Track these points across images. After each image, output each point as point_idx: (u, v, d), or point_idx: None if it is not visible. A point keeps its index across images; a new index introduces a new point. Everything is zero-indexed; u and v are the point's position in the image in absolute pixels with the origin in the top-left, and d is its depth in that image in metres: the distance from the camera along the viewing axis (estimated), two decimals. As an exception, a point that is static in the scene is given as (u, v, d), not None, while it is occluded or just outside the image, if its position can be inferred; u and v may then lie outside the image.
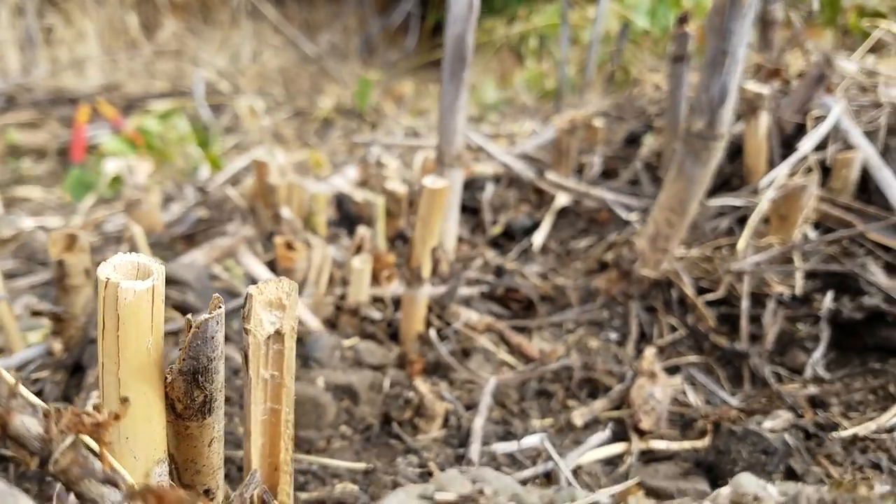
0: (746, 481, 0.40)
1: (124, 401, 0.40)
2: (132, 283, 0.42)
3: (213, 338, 0.43)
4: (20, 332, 0.91)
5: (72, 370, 0.84)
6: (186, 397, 0.44)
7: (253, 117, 2.09)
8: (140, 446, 0.43)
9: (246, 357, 0.52)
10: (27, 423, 0.34)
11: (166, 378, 0.44)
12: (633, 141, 1.57)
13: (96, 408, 0.38)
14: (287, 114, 2.74)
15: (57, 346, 0.86)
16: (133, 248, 1.00)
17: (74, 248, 0.83)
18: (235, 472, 0.74)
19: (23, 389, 0.36)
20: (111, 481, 0.35)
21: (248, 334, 0.52)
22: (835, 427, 0.88)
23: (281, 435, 0.56)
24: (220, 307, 0.44)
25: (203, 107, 2.46)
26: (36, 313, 0.85)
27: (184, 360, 0.43)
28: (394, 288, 1.12)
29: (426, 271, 0.98)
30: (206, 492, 0.49)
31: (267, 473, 0.56)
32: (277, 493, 0.55)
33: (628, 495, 0.38)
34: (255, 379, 0.54)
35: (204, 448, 0.48)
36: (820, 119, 1.23)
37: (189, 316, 0.43)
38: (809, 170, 1.19)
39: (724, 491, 0.41)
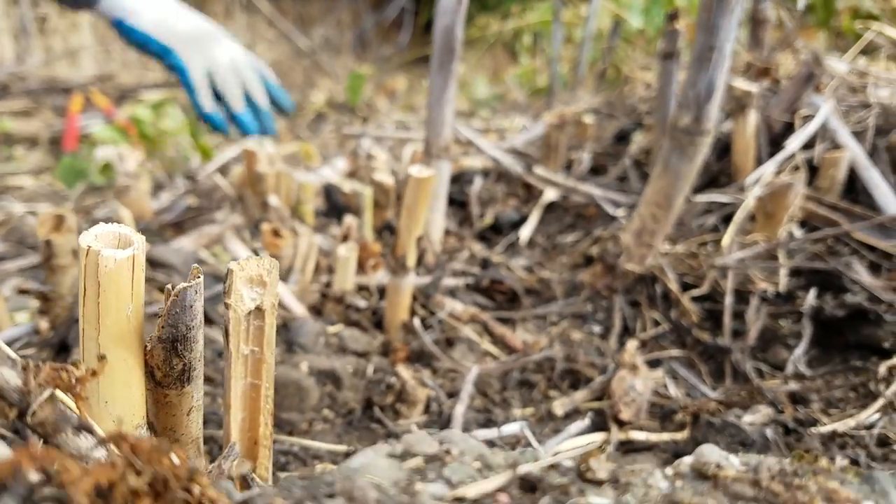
0: (709, 451, 0.41)
1: (101, 358, 0.40)
2: (113, 251, 0.42)
3: (191, 306, 0.44)
4: (8, 313, 0.91)
5: (57, 349, 0.84)
6: (165, 365, 0.45)
7: None
8: (120, 410, 0.44)
9: (227, 332, 0.53)
10: (6, 375, 0.35)
11: (146, 346, 0.45)
12: (622, 138, 1.58)
13: (74, 364, 0.39)
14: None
15: (43, 324, 0.86)
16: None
17: (62, 228, 0.84)
18: (217, 450, 0.75)
19: (2, 344, 0.36)
20: (87, 428, 0.36)
21: (228, 309, 0.52)
22: (814, 423, 0.89)
23: (261, 410, 0.57)
24: (199, 277, 0.44)
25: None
26: (23, 291, 0.85)
27: (163, 327, 0.43)
28: (379, 277, 1.12)
29: (411, 260, 0.99)
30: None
31: (247, 447, 0.56)
32: (256, 466, 0.56)
33: (590, 457, 0.39)
34: (236, 354, 0.54)
35: (182, 416, 0.49)
36: (808, 118, 1.24)
37: (168, 285, 0.44)
38: (797, 168, 1.20)
39: (687, 459, 0.42)
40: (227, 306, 0.53)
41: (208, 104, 1.45)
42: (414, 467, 0.38)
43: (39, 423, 0.35)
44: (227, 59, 1.46)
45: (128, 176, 1.22)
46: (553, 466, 0.39)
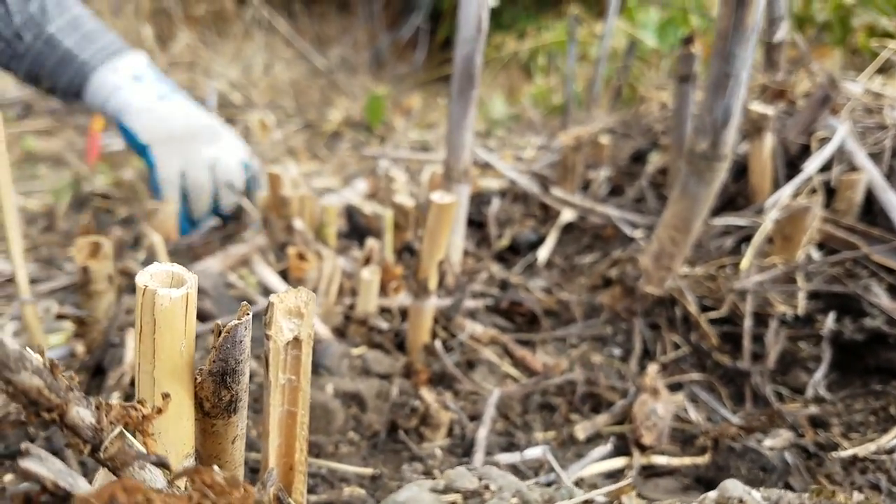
0: (732, 486, 0.43)
1: (165, 396, 0.42)
2: (168, 290, 0.44)
3: (241, 342, 0.46)
4: (43, 335, 0.93)
5: (93, 372, 0.86)
6: (214, 396, 0.47)
7: (264, 131, 2.13)
8: (171, 441, 0.46)
9: (267, 362, 0.55)
10: (82, 414, 0.37)
11: (196, 378, 0.47)
12: (638, 158, 1.60)
13: (140, 402, 0.41)
14: (297, 126, 2.79)
15: (80, 348, 0.89)
16: (153, 256, 1.03)
17: (98, 255, 0.86)
18: (248, 472, 0.76)
19: (76, 386, 0.39)
20: (162, 464, 0.38)
21: (269, 340, 0.54)
22: (835, 447, 0.89)
23: (297, 436, 0.59)
24: (248, 314, 0.46)
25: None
26: (61, 316, 0.88)
27: (213, 361, 0.46)
28: (401, 299, 1.14)
29: (433, 284, 1.01)
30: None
31: (283, 473, 0.58)
32: (292, 491, 0.58)
33: (621, 494, 0.40)
34: (275, 383, 0.56)
35: (228, 445, 0.51)
36: (825, 140, 1.25)
37: (218, 322, 0.46)
38: (814, 191, 1.21)
39: (712, 494, 0.43)
40: (267, 338, 0.56)
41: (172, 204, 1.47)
42: (456, 502, 0.39)
43: (110, 457, 0.37)
44: (208, 159, 1.47)
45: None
46: (587, 502, 0.41)
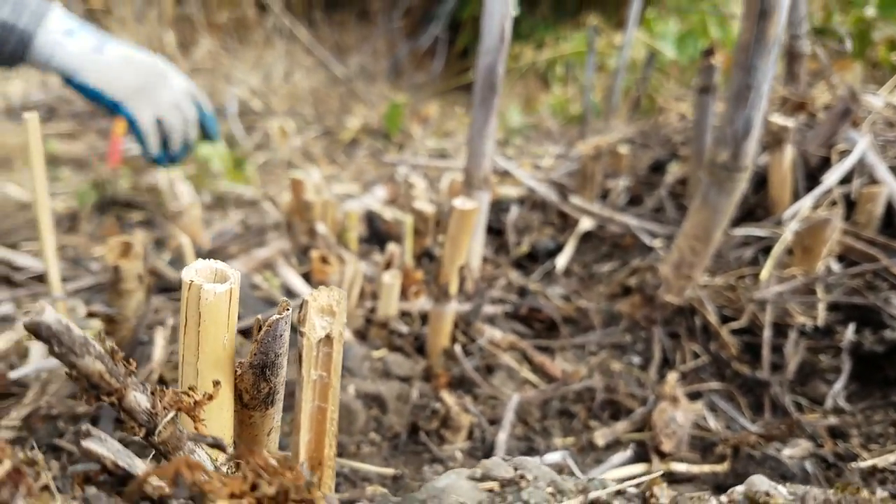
0: (759, 481, 0.44)
1: (216, 384, 0.44)
2: (213, 285, 0.46)
3: (281, 336, 0.48)
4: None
5: (121, 369, 0.88)
6: (254, 388, 0.49)
7: (283, 137, 2.16)
8: (212, 430, 0.47)
9: (300, 358, 0.56)
10: (138, 399, 0.39)
11: (236, 371, 0.48)
12: (657, 168, 1.61)
13: (192, 388, 0.43)
14: (316, 133, 2.82)
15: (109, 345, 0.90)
16: (180, 257, 1.05)
17: (129, 254, 0.88)
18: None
19: (133, 374, 0.40)
20: (218, 445, 0.39)
21: (302, 337, 0.56)
22: (854, 458, 0.89)
23: (326, 432, 0.60)
24: (288, 310, 0.48)
25: (235, 124, 2.55)
26: (91, 314, 0.90)
27: (255, 354, 0.47)
28: (421, 303, 1.15)
29: (453, 289, 1.02)
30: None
31: (312, 467, 0.60)
32: (321, 486, 0.59)
33: (653, 485, 0.41)
34: (307, 379, 0.57)
35: (263, 436, 0.52)
36: (845, 153, 1.26)
37: (259, 316, 0.47)
38: (834, 203, 1.22)
39: (739, 488, 0.44)
40: (301, 335, 0.57)
41: (156, 149, 1.58)
42: (494, 489, 0.41)
43: (163, 441, 0.39)
44: (171, 100, 1.57)
45: (180, 202, 1.27)
46: (620, 493, 0.42)
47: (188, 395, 0.41)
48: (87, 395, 0.37)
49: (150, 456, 0.42)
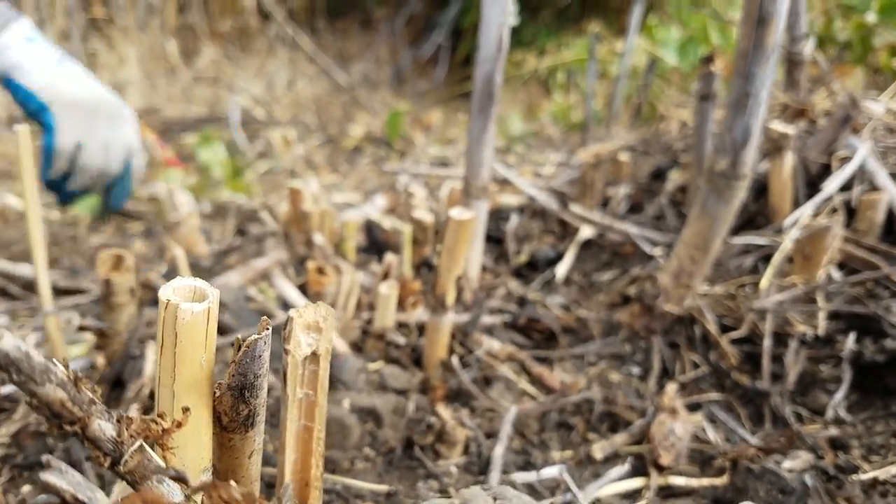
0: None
1: (185, 410, 0.43)
2: (190, 304, 0.45)
3: (260, 356, 0.47)
4: (64, 346, 0.95)
5: (113, 383, 0.88)
6: (232, 411, 0.48)
7: (286, 147, 2.16)
8: (189, 455, 0.46)
9: (285, 376, 0.55)
10: (103, 427, 0.38)
11: (215, 393, 0.48)
12: (658, 176, 1.59)
13: (160, 416, 0.42)
14: (319, 141, 2.83)
15: (100, 360, 0.90)
16: (174, 269, 1.04)
17: (121, 267, 0.88)
18: (264, 488, 0.77)
19: (97, 398, 0.40)
20: (181, 478, 0.38)
21: (287, 355, 0.55)
22: (855, 470, 0.88)
23: (313, 452, 0.59)
24: (267, 329, 0.47)
25: (238, 133, 2.56)
26: (83, 328, 0.89)
27: (233, 376, 0.46)
28: (418, 314, 1.14)
29: (451, 299, 1.01)
30: None
31: (298, 488, 0.59)
32: (308, 508, 0.58)
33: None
34: (292, 397, 0.57)
35: (245, 459, 0.51)
36: (845, 160, 1.24)
37: (238, 336, 0.47)
38: (834, 210, 1.20)
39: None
40: (286, 352, 0.56)
41: (56, 174, 1.38)
42: (471, 520, 0.39)
43: (129, 471, 0.38)
44: (105, 139, 1.39)
45: (178, 213, 1.27)
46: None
47: (156, 423, 0.40)
48: (50, 424, 0.37)
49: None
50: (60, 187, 1.42)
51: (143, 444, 0.40)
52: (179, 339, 0.45)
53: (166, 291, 0.46)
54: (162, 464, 0.44)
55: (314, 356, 0.57)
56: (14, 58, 1.33)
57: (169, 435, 0.41)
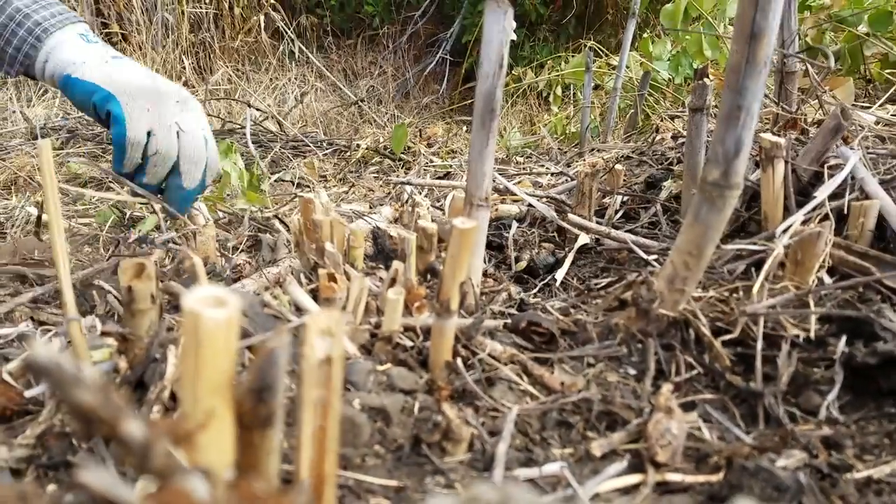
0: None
1: (209, 413, 0.47)
2: (212, 312, 0.49)
3: (279, 362, 0.51)
4: (87, 351, 1.00)
5: (135, 386, 0.93)
6: (252, 412, 0.52)
7: (312, 171, 2.22)
8: (212, 455, 0.51)
9: (300, 378, 0.60)
10: (132, 430, 0.42)
11: (235, 394, 0.52)
12: (652, 185, 1.64)
13: (185, 417, 0.46)
14: (327, 153, 2.89)
15: (122, 364, 0.95)
16: (192, 277, 1.09)
17: (142, 275, 0.93)
18: (280, 484, 0.81)
19: (125, 402, 0.44)
20: (206, 476, 0.43)
21: (302, 358, 0.60)
22: (849, 468, 0.91)
23: (327, 450, 0.63)
24: (287, 336, 0.52)
25: (250, 144, 2.62)
26: (105, 333, 0.94)
27: (253, 379, 0.51)
28: (424, 318, 1.19)
29: (455, 304, 1.05)
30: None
31: (314, 484, 0.63)
32: (322, 502, 0.62)
33: None
34: (307, 400, 0.61)
35: (264, 457, 0.56)
36: (836, 168, 1.28)
37: (257, 340, 0.51)
38: (826, 217, 1.24)
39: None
40: (301, 356, 0.61)
41: (129, 167, 1.35)
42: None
43: (157, 470, 0.42)
44: (171, 123, 1.33)
45: (195, 222, 1.32)
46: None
47: (181, 425, 0.45)
48: (81, 427, 0.41)
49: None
50: (136, 180, 1.38)
51: (170, 444, 0.44)
52: (201, 345, 0.49)
53: (188, 299, 0.50)
54: (187, 463, 0.48)
55: (328, 360, 0.62)
56: (70, 54, 1.30)
57: (194, 436, 0.46)
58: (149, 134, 1.32)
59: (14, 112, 3.01)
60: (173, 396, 0.95)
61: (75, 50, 1.31)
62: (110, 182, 2.37)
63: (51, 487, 0.88)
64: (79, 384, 0.41)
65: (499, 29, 1.10)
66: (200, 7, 3.79)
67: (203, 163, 1.41)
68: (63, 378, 0.41)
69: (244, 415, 0.53)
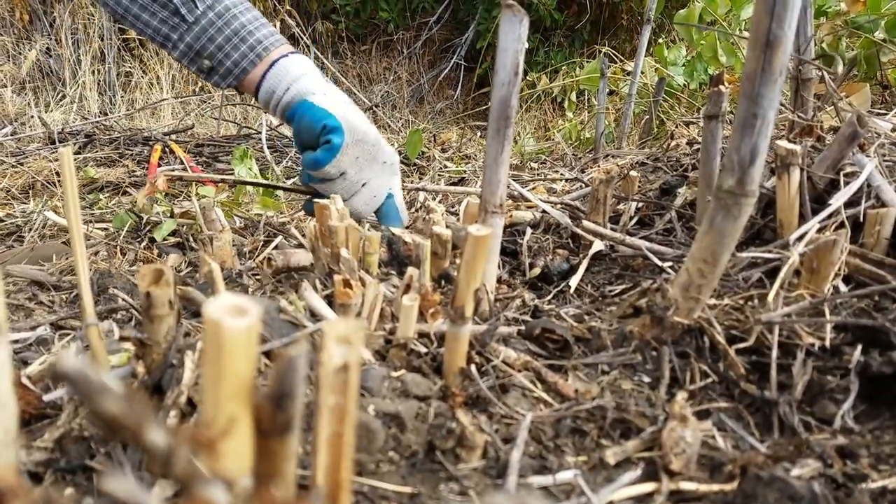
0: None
1: (231, 420, 0.48)
2: (233, 320, 0.50)
3: (298, 367, 0.52)
4: (105, 355, 1.01)
5: (153, 390, 0.94)
6: (271, 419, 0.53)
7: None
8: (232, 461, 0.52)
9: (317, 385, 0.61)
10: (156, 437, 0.43)
11: (255, 401, 0.53)
12: (667, 191, 1.63)
13: (207, 424, 0.47)
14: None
15: (140, 369, 0.96)
16: (210, 283, 1.11)
17: (161, 281, 0.94)
18: (297, 490, 0.82)
19: (149, 410, 0.45)
20: (228, 483, 0.44)
21: (320, 365, 0.60)
22: (864, 478, 0.90)
23: (343, 456, 0.64)
24: (305, 343, 0.52)
25: (266, 150, 2.64)
26: (123, 338, 0.96)
27: (273, 386, 0.52)
28: (438, 324, 1.19)
29: (469, 311, 1.06)
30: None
31: (330, 491, 0.64)
32: (339, 506, 0.63)
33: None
34: (324, 405, 0.62)
35: (282, 464, 0.56)
36: (852, 176, 1.27)
37: (276, 347, 0.52)
38: (842, 225, 1.23)
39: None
40: (318, 363, 0.62)
41: (304, 181, 1.48)
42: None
43: (179, 477, 0.43)
44: (361, 183, 1.46)
45: (212, 228, 1.34)
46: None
47: (203, 432, 0.46)
48: (107, 435, 0.42)
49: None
50: (308, 182, 1.52)
51: (192, 451, 0.45)
52: (222, 353, 0.50)
53: (211, 307, 0.51)
54: (209, 469, 0.49)
55: (345, 367, 0.62)
56: (310, 83, 1.42)
57: (216, 443, 0.46)
58: (343, 175, 1.46)
59: (32, 117, 3.06)
60: (190, 401, 0.96)
61: (320, 82, 1.45)
62: (126, 187, 2.41)
63: (69, 491, 0.90)
64: (104, 392, 0.42)
65: (514, 37, 1.11)
66: (217, 13, 3.84)
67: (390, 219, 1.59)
68: (89, 386, 0.42)
69: (263, 422, 0.54)
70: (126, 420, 0.44)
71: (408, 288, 1.19)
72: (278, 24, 4.16)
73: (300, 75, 1.41)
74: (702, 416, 1.05)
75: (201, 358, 1.00)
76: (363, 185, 1.49)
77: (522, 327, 1.25)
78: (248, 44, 1.37)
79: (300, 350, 0.53)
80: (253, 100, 1.58)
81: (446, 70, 4.55)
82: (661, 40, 3.22)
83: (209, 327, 0.51)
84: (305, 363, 0.54)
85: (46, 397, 1.01)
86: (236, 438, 0.54)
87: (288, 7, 4.14)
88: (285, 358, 0.52)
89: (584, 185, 1.83)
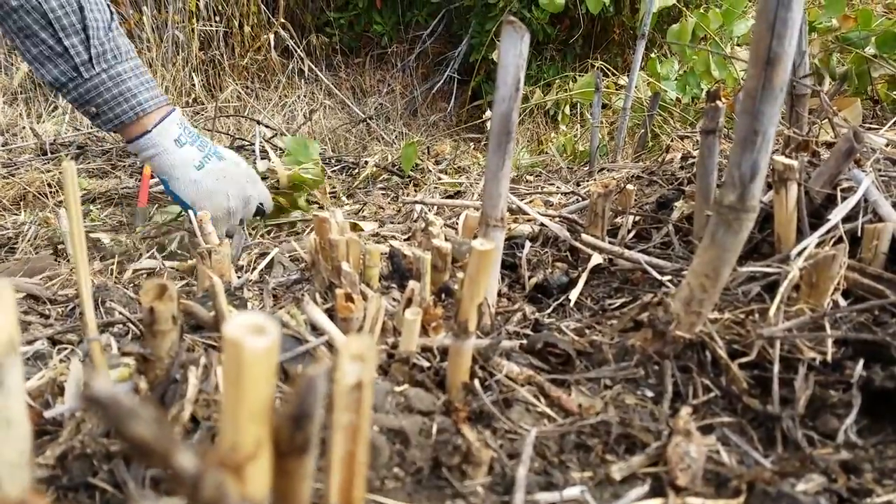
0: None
1: (258, 443, 0.48)
2: (253, 339, 0.50)
3: (316, 388, 0.52)
4: (107, 370, 1.00)
5: (155, 406, 0.93)
6: (289, 439, 0.53)
7: (325, 197, 2.26)
8: (254, 482, 0.51)
9: (331, 403, 0.60)
10: (184, 460, 0.43)
11: (273, 421, 0.52)
12: (664, 205, 1.65)
13: (234, 447, 0.47)
14: (335, 170, 2.90)
15: (142, 384, 0.95)
16: (211, 297, 1.10)
17: (164, 297, 0.93)
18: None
19: (175, 433, 0.45)
20: None
21: (333, 383, 0.60)
22: (868, 493, 0.91)
23: (356, 474, 0.64)
24: (323, 362, 0.52)
25: (258, 161, 2.63)
26: (125, 353, 0.95)
27: (292, 406, 0.51)
28: (440, 339, 1.19)
29: (473, 325, 1.06)
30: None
31: (343, 508, 0.63)
32: (352, 526, 0.62)
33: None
34: (337, 423, 0.62)
35: (298, 484, 0.56)
36: (848, 190, 1.29)
37: (298, 369, 0.52)
38: (840, 239, 1.25)
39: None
40: (332, 381, 0.61)
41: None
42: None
43: (207, 501, 0.42)
44: (230, 208, 1.86)
45: (209, 241, 1.33)
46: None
47: (231, 455, 0.45)
48: (137, 459, 0.41)
49: None
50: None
51: (220, 474, 0.45)
52: (242, 372, 0.50)
53: (230, 326, 0.51)
54: (236, 493, 0.48)
55: (358, 385, 0.62)
56: (167, 162, 1.80)
57: (244, 465, 0.46)
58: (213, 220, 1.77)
59: (24, 128, 3.04)
60: (193, 417, 0.95)
61: (170, 158, 1.80)
62: (118, 199, 2.40)
63: (68, 508, 0.88)
64: (135, 417, 0.41)
65: (515, 53, 1.12)
66: (211, 25, 3.84)
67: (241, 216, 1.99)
68: (120, 411, 0.41)
69: (281, 442, 0.53)
70: (156, 444, 0.43)
71: (409, 302, 1.19)
72: (272, 36, 4.18)
73: (161, 151, 1.79)
74: (705, 430, 1.05)
75: (205, 372, 0.99)
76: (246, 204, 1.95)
77: (524, 341, 1.25)
78: (129, 104, 1.74)
79: (319, 370, 0.52)
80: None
81: (440, 83, 4.58)
82: (653, 54, 3.26)
83: (229, 348, 0.50)
84: (324, 382, 0.54)
85: (47, 413, 0.99)
86: (258, 460, 0.54)
87: (282, 19, 4.15)
88: (305, 378, 0.52)
89: (580, 199, 1.84)
